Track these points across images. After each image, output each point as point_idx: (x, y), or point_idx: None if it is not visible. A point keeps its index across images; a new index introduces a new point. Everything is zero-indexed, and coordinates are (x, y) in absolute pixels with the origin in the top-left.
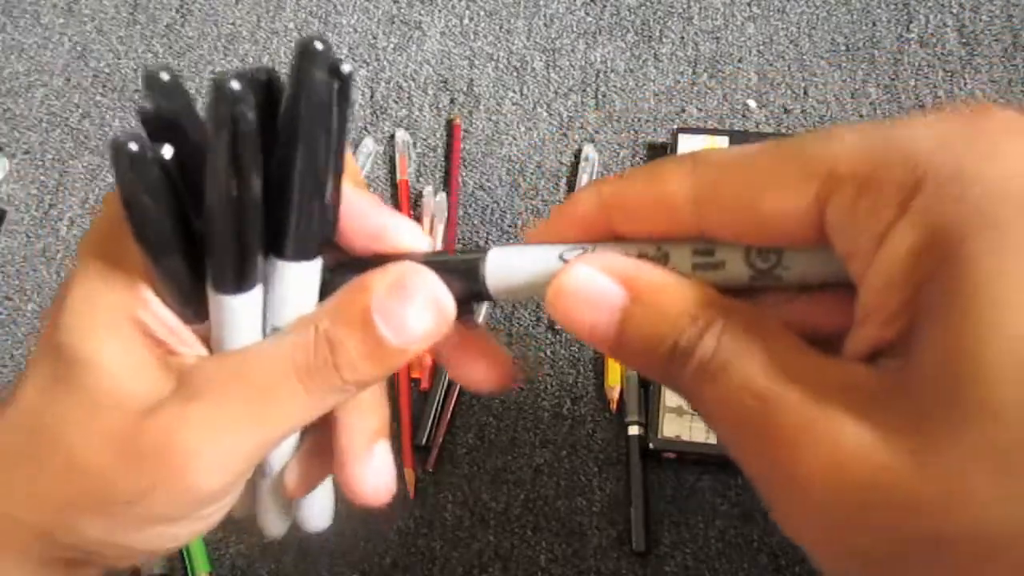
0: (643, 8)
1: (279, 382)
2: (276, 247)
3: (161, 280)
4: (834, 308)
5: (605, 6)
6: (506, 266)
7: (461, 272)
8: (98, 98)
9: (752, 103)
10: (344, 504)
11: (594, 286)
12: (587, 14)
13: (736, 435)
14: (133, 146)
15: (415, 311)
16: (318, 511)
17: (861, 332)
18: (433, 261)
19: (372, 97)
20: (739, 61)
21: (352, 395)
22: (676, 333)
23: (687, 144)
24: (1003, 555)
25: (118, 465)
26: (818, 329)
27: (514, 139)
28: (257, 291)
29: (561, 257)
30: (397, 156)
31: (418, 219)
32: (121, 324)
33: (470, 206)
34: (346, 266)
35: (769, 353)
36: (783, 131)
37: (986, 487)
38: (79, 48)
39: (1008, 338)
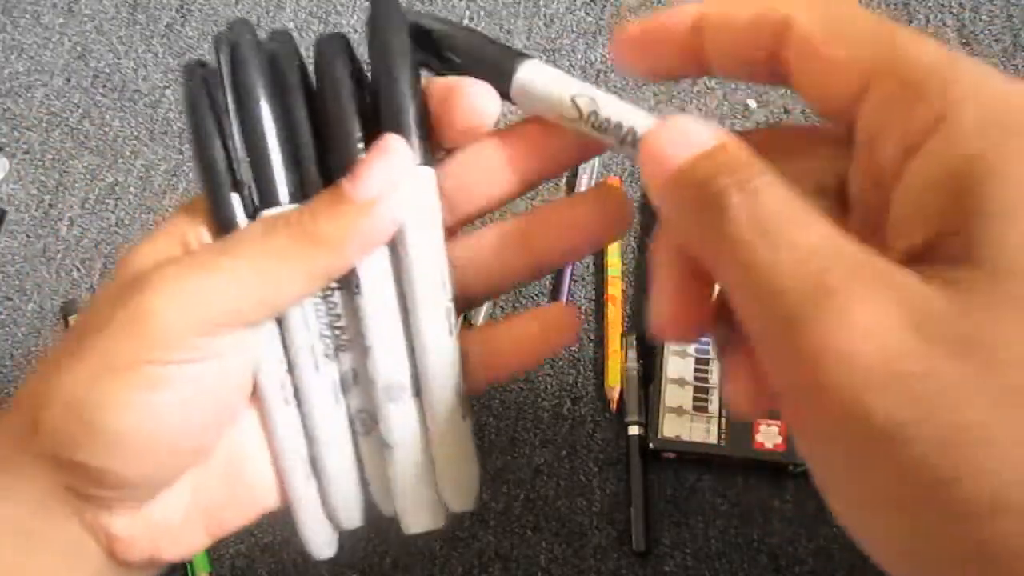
0: (643, 8)
1: (248, 237)
2: None
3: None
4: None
5: (605, 6)
6: (536, 77)
7: (494, 64)
8: (98, 98)
9: (752, 103)
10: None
11: (693, 128)
12: (587, 14)
13: (769, 290)
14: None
15: (374, 168)
16: (415, 503)
17: (896, 237)
18: (473, 44)
19: None
20: None
21: (330, 265)
22: (741, 170)
23: None
24: None
25: (103, 309)
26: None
27: None
28: None
29: (577, 97)
30: None
31: None
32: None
33: None
34: None
35: (818, 216)
36: None
37: None
38: (79, 48)
39: None
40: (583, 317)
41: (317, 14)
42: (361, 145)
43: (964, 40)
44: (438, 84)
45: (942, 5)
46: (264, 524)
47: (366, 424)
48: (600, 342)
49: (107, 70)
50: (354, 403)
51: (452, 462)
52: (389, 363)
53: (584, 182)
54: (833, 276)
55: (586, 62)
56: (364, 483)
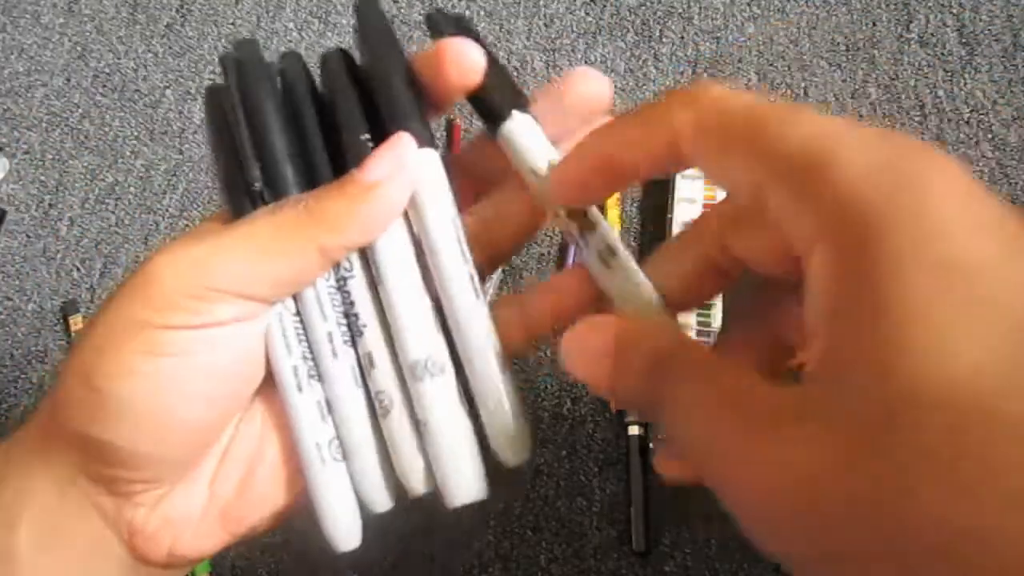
0: (643, 8)
1: (256, 214)
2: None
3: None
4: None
5: (605, 6)
6: (522, 131)
7: (493, 104)
8: (98, 98)
9: None
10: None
11: (591, 339)
12: (587, 14)
13: (693, 461)
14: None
15: (381, 157)
16: (461, 474)
17: (808, 340)
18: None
19: None
20: (739, 61)
21: (330, 242)
22: (645, 369)
23: None
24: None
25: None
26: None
27: None
28: None
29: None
30: None
31: None
32: None
33: None
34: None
35: (714, 391)
36: None
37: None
38: (79, 48)
39: (923, 353)
40: None
41: (317, 14)
42: (371, 145)
43: (964, 40)
44: (422, 55)
45: (942, 5)
46: None
47: (385, 406)
48: None
49: (107, 70)
50: (372, 387)
51: (501, 417)
52: (420, 340)
53: None
54: (727, 456)
55: (586, 62)
56: (389, 465)
